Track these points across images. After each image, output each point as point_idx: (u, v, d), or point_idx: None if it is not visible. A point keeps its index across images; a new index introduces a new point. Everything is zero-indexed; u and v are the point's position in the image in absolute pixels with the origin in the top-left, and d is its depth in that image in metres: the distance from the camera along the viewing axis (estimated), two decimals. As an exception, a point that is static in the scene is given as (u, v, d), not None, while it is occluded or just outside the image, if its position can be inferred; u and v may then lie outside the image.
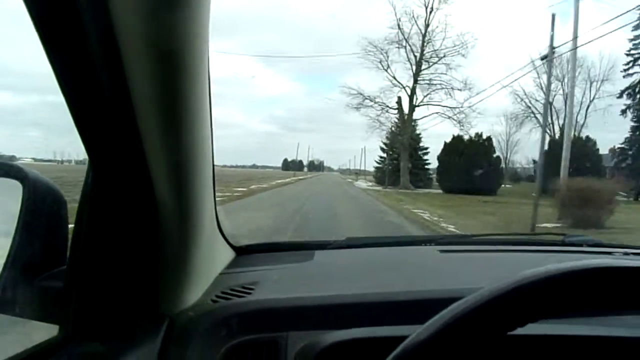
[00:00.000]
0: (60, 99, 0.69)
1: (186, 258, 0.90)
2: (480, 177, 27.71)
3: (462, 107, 33.17)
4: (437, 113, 34.42)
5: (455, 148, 30.81)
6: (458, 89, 33.91)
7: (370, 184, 45.28)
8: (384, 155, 43.00)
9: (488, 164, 29.38)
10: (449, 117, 34.34)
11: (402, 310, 0.91)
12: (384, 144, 42.28)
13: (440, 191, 29.72)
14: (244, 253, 1.40)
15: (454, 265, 1.31)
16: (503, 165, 37.67)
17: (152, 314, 0.88)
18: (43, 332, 0.85)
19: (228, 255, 1.33)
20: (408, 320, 0.85)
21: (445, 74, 34.35)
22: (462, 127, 33.27)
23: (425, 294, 0.97)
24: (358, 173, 72.93)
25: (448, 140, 32.29)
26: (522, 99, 36.35)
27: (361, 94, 35.07)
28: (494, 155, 31.40)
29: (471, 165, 28.44)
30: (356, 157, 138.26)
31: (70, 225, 0.89)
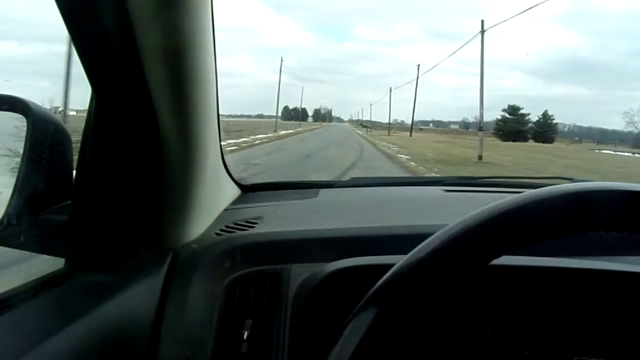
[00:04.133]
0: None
1: (190, 192, 0.90)
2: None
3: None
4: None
5: None
6: None
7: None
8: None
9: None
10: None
11: (403, 243, 0.91)
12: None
13: None
14: (250, 191, 1.40)
15: (456, 203, 1.30)
16: None
17: (156, 246, 0.89)
18: (49, 264, 0.86)
19: (233, 192, 1.33)
20: (406, 252, 0.85)
21: None
22: None
23: (427, 228, 0.97)
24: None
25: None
26: None
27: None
28: None
29: None
30: (364, 110, 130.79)
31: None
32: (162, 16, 0.68)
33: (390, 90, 57.13)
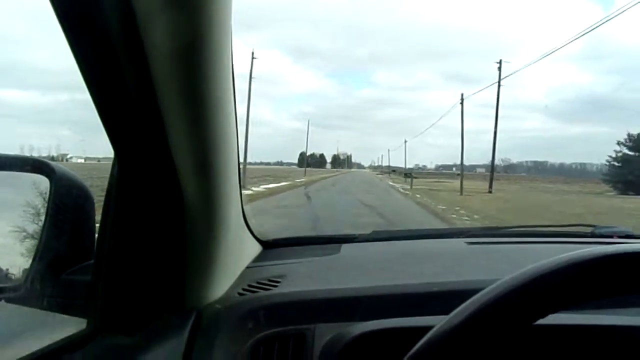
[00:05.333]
0: (88, 96, 0.71)
1: (213, 251, 0.90)
2: None
3: None
4: None
5: None
6: None
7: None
8: None
9: None
10: None
11: (428, 301, 0.91)
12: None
13: None
14: (271, 247, 1.40)
15: (481, 257, 1.29)
16: None
17: (179, 307, 0.89)
18: (72, 325, 0.86)
19: (255, 249, 1.33)
20: (435, 311, 0.85)
21: None
22: None
23: (452, 285, 0.96)
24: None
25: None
26: None
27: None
28: None
29: None
30: (384, 156, 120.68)
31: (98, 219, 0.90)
32: (183, 79, 0.69)
33: (462, 99, 33.14)
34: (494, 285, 0.51)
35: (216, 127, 0.78)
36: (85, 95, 0.71)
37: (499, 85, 31.48)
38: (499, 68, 31.61)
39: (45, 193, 0.90)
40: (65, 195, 0.90)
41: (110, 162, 0.83)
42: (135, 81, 0.69)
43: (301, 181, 36.14)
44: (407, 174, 49.12)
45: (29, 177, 0.91)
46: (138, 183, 0.82)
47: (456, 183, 33.69)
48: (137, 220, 0.84)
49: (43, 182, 0.90)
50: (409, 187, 33.17)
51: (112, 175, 0.84)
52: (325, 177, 49.30)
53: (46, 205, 0.89)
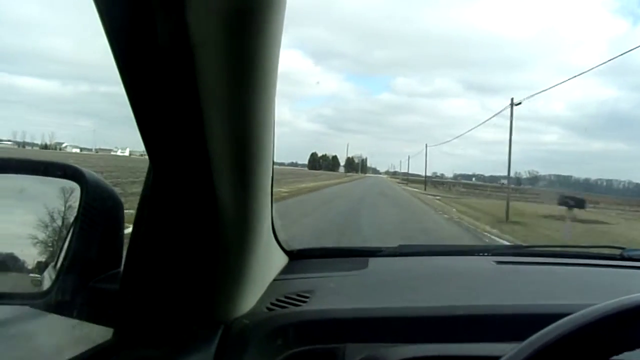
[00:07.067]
0: (112, 90, 0.69)
1: (243, 264, 0.89)
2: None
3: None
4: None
5: None
6: None
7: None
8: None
9: None
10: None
11: (462, 326, 0.90)
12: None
13: None
14: (297, 258, 1.39)
15: (512, 278, 1.29)
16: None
17: (207, 320, 0.88)
18: (98, 334, 0.85)
19: (282, 260, 1.32)
20: (469, 337, 0.84)
21: None
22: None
23: (485, 309, 0.96)
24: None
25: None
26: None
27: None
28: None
29: None
30: (402, 162, 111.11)
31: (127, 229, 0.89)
32: (227, 87, 0.68)
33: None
34: (572, 316, 0.50)
35: (255, 136, 0.76)
36: (105, 89, 0.68)
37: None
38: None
39: (75, 199, 0.88)
40: (95, 202, 0.88)
41: (107, 154, 0.81)
42: (177, 86, 0.67)
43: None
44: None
45: (59, 182, 0.90)
46: (172, 192, 0.80)
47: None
48: (169, 230, 0.83)
49: (73, 188, 0.89)
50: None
51: (146, 184, 0.83)
52: (301, 192, 23.77)
53: (76, 211, 0.88)
